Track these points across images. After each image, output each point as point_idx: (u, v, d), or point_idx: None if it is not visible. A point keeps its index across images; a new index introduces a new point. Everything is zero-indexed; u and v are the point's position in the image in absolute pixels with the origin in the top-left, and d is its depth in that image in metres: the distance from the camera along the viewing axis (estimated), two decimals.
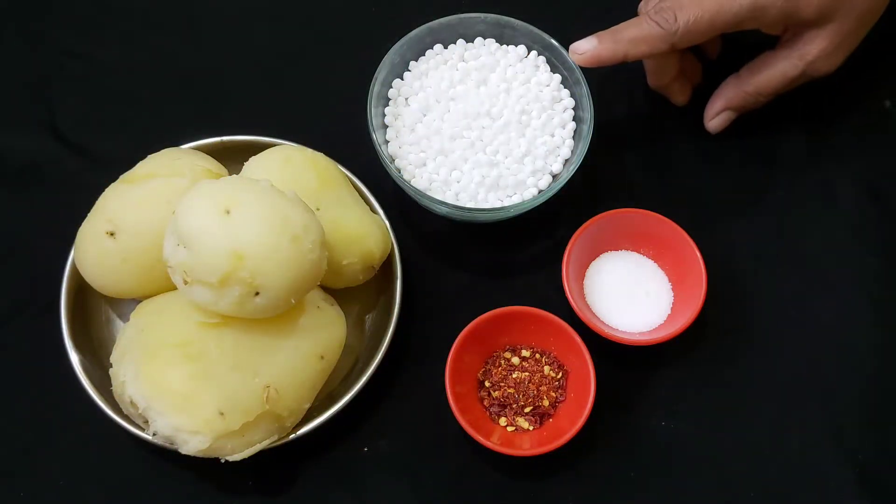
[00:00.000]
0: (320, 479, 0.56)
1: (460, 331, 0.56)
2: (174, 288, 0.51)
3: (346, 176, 0.60)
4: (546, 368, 0.57)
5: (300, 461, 0.56)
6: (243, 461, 0.50)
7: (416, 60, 0.62)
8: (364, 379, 0.55)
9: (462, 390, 0.56)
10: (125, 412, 0.52)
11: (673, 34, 0.56)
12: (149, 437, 0.51)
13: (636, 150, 0.67)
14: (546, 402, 0.57)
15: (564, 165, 0.60)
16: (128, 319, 0.53)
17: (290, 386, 0.51)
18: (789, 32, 0.60)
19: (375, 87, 0.60)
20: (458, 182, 0.59)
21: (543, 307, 0.57)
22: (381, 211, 0.60)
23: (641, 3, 0.62)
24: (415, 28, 0.61)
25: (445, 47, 0.62)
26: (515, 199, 0.59)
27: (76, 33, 0.70)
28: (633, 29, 0.58)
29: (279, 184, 0.51)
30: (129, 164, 0.56)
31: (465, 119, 0.60)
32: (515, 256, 0.64)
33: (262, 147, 0.59)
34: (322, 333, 0.53)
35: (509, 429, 0.56)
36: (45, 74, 0.68)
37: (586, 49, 0.58)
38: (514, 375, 0.57)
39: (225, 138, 0.61)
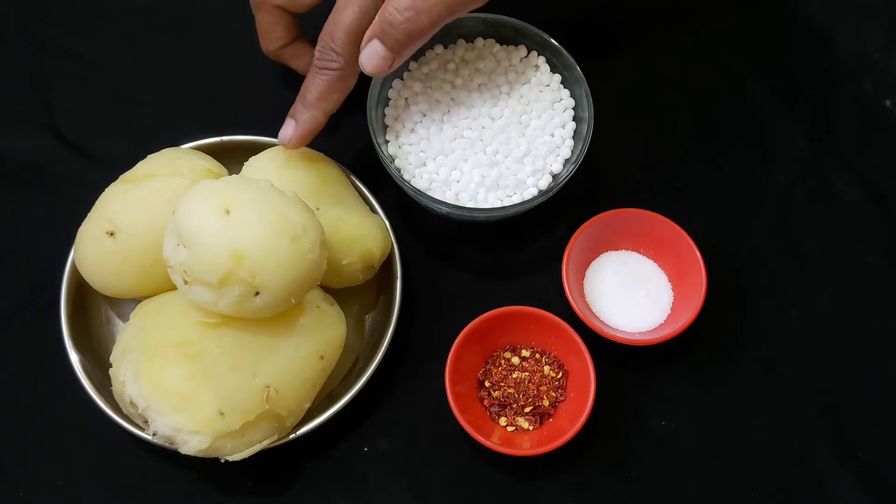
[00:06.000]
0: (320, 478, 0.56)
1: (460, 331, 0.56)
2: (174, 288, 0.51)
3: (346, 176, 0.60)
4: (546, 368, 0.57)
5: (300, 461, 0.56)
6: (243, 461, 0.50)
7: (416, 61, 0.62)
8: (364, 379, 0.55)
9: (462, 390, 0.56)
10: (125, 412, 0.52)
11: (344, 67, 0.54)
12: (149, 437, 0.51)
13: (636, 151, 0.67)
14: (546, 402, 0.57)
15: (564, 165, 0.60)
16: (128, 319, 0.53)
17: (290, 386, 0.51)
18: None
19: (375, 88, 0.60)
20: (458, 182, 0.59)
21: (543, 307, 0.57)
22: (381, 211, 0.60)
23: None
24: None
25: (445, 47, 0.62)
26: (515, 199, 0.59)
27: (76, 33, 0.70)
28: (313, 89, 0.55)
29: (279, 184, 0.51)
30: (129, 164, 0.56)
31: (466, 119, 0.60)
32: (515, 256, 0.63)
33: (262, 147, 0.59)
34: (322, 333, 0.53)
35: (509, 429, 0.56)
36: (45, 74, 0.68)
37: (290, 135, 0.56)
38: (514, 375, 0.57)
39: (225, 138, 0.61)
